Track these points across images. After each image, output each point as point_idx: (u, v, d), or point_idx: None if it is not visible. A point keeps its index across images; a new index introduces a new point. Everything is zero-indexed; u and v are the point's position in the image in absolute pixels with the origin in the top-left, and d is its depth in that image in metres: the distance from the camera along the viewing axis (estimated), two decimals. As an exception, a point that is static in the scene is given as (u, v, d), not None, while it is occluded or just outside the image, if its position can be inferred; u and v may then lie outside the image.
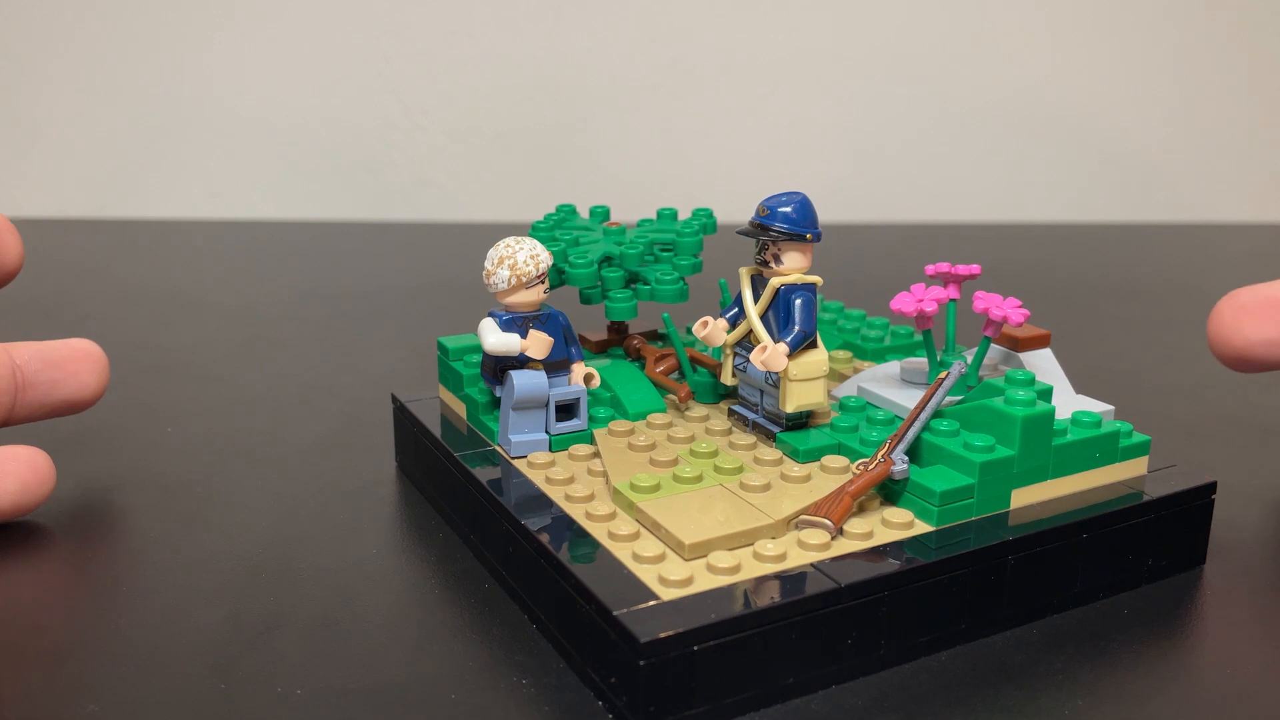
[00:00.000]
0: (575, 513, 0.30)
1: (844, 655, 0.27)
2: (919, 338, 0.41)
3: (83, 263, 0.70)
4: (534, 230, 0.39)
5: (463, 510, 0.34)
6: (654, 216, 0.42)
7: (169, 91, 0.82)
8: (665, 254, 0.39)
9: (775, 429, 0.33)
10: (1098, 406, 0.34)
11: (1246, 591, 0.32)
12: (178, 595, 0.31)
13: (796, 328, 0.32)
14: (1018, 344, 0.38)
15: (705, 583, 0.26)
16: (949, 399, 0.33)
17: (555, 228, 0.40)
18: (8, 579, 0.32)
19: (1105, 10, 0.83)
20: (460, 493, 0.34)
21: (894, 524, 0.29)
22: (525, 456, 0.33)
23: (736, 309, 0.34)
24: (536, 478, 0.32)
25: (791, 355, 0.32)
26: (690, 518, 0.28)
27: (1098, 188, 0.86)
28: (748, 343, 0.34)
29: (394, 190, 0.84)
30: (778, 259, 0.32)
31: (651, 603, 0.25)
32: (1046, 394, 0.32)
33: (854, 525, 0.29)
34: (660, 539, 0.28)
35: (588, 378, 0.35)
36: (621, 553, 0.28)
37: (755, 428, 0.34)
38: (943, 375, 0.32)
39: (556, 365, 0.34)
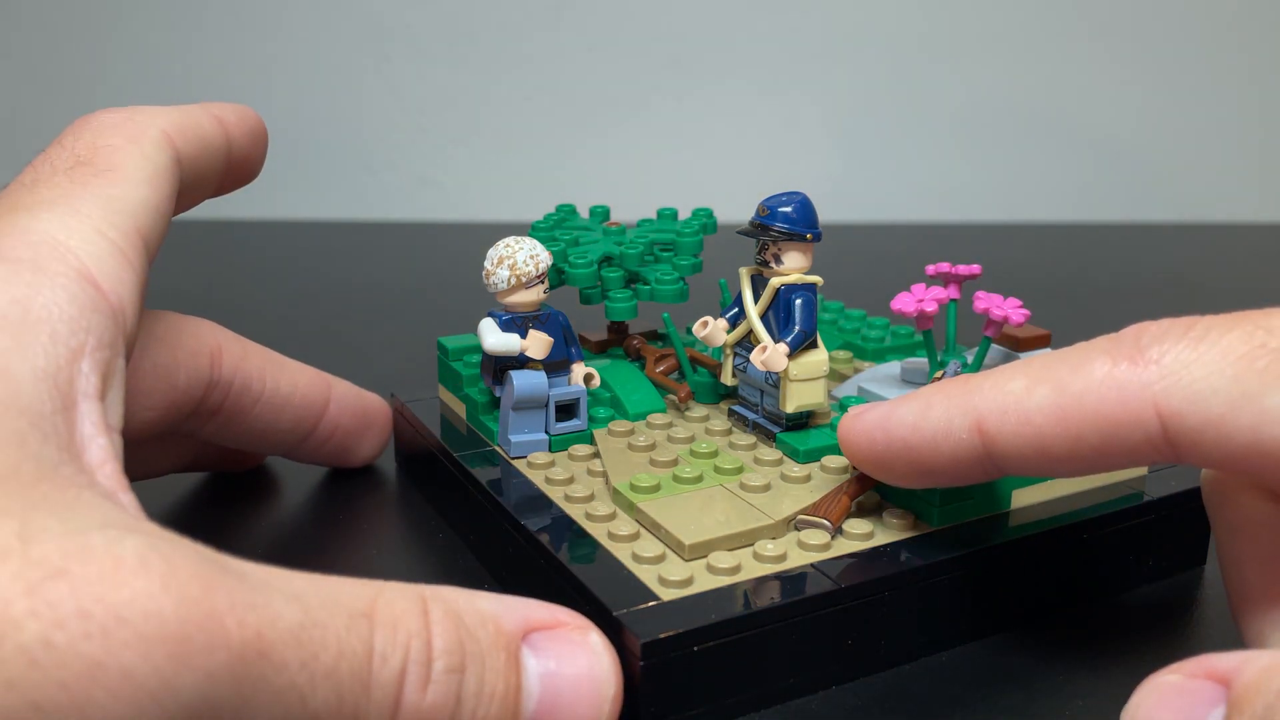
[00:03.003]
0: (575, 513, 0.30)
1: (844, 655, 0.27)
2: (919, 338, 0.41)
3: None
4: (534, 230, 0.39)
5: (463, 510, 0.34)
6: (654, 216, 0.42)
7: (168, 91, 0.82)
8: (665, 254, 0.39)
9: (775, 429, 0.33)
10: (1098, 406, 0.34)
11: (1246, 591, 0.32)
12: (178, 595, 0.31)
13: (796, 328, 0.32)
14: (1018, 344, 0.38)
15: (705, 583, 0.26)
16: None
17: (555, 228, 0.40)
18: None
19: (1106, 9, 0.83)
20: (460, 493, 0.34)
21: (894, 524, 0.29)
22: (525, 456, 0.33)
23: (736, 309, 0.34)
24: (536, 478, 0.32)
25: (791, 355, 0.32)
26: (690, 518, 0.28)
27: (1098, 188, 0.86)
28: (748, 343, 0.34)
29: (394, 190, 0.84)
30: (778, 259, 0.32)
31: (651, 603, 0.25)
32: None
33: (854, 525, 0.29)
34: (660, 539, 0.28)
35: (588, 378, 0.35)
36: (621, 553, 0.28)
37: (755, 428, 0.34)
38: (939, 375, 0.32)
39: (556, 365, 0.34)
